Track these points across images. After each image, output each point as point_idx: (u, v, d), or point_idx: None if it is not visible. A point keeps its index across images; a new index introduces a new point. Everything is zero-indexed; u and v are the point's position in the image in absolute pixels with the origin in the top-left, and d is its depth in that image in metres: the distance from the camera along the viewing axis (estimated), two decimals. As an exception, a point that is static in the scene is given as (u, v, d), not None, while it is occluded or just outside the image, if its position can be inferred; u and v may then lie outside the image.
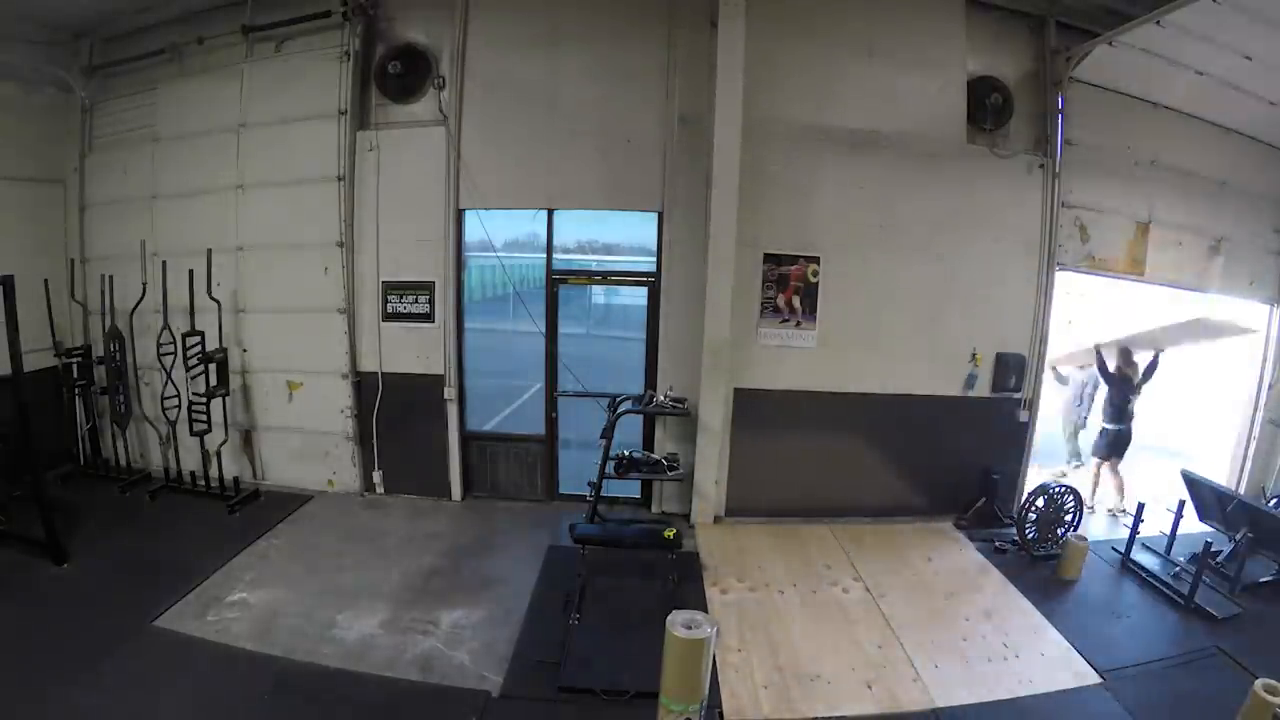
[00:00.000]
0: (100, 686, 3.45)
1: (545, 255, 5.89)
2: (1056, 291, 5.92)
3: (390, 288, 5.89)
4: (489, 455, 6.22)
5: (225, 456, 6.00)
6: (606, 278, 6.36)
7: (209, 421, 5.81)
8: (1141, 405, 6.41)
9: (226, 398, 5.92)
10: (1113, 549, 5.32)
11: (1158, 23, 4.74)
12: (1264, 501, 5.87)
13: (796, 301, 5.69)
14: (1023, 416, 6.03)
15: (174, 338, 5.78)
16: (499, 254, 6.08)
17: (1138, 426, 6.42)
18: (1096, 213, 5.97)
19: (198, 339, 5.76)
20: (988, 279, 5.81)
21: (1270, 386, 6.65)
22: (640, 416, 5.77)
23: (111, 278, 6.01)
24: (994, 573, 5.04)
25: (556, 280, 5.92)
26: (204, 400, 5.73)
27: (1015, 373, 5.91)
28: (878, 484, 5.96)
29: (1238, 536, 4.97)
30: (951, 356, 5.87)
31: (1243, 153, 6.24)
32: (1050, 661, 3.95)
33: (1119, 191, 5.99)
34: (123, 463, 6.29)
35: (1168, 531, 5.27)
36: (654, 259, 5.78)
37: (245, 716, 3.36)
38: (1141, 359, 6.44)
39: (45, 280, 6.00)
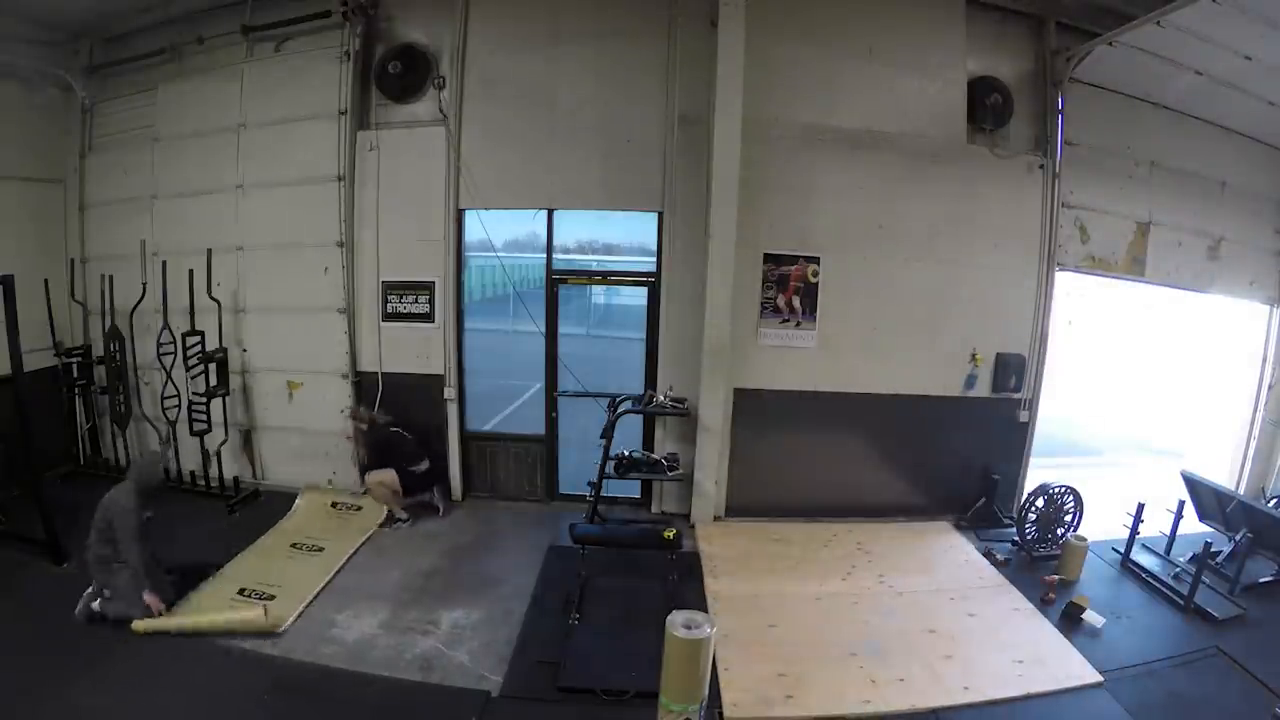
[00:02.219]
0: (100, 687, 3.45)
1: (545, 255, 5.89)
2: (1056, 291, 5.92)
3: (390, 288, 5.89)
4: (489, 455, 6.22)
5: (225, 456, 6.00)
6: (606, 278, 6.36)
7: (209, 421, 5.81)
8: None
9: (226, 398, 5.92)
10: (1113, 549, 5.32)
11: (1158, 23, 4.74)
12: (1264, 501, 5.87)
13: (796, 301, 5.69)
14: (1023, 416, 6.03)
15: (174, 338, 5.79)
16: (499, 254, 6.09)
17: None
18: (1096, 213, 5.97)
19: (198, 339, 5.76)
20: (988, 279, 5.81)
21: (1270, 386, 6.66)
22: (640, 416, 5.77)
23: (111, 278, 6.01)
24: (994, 572, 5.03)
25: (556, 280, 5.91)
26: (204, 400, 5.74)
27: (1015, 373, 5.91)
28: (878, 484, 5.96)
29: (1238, 537, 4.97)
30: (951, 357, 5.87)
31: (1243, 153, 6.25)
32: (1050, 661, 3.94)
33: (1119, 192, 6.00)
34: (123, 462, 6.28)
35: (1167, 532, 5.27)
36: (654, 259, 5.78)
37: (245, 716, 3.36)
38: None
39: (45, 280, 6.01)
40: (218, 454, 5.93)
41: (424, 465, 5.62)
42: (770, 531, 5.59)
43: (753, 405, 5.76)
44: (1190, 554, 4.97)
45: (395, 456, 5.55)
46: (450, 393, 5.95)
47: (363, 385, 6.03)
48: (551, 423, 6.11)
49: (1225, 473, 6.74)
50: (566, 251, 6.12)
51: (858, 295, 5.71)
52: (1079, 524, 5.43)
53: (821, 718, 3.48)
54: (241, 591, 4.44)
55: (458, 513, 5.93)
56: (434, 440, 5.95)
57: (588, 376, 5.99)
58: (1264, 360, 6.71)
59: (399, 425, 5.70)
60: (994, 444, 6.01)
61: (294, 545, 5.14)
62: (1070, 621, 4.37)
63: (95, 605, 3.93)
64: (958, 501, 5.95)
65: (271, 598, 4.35)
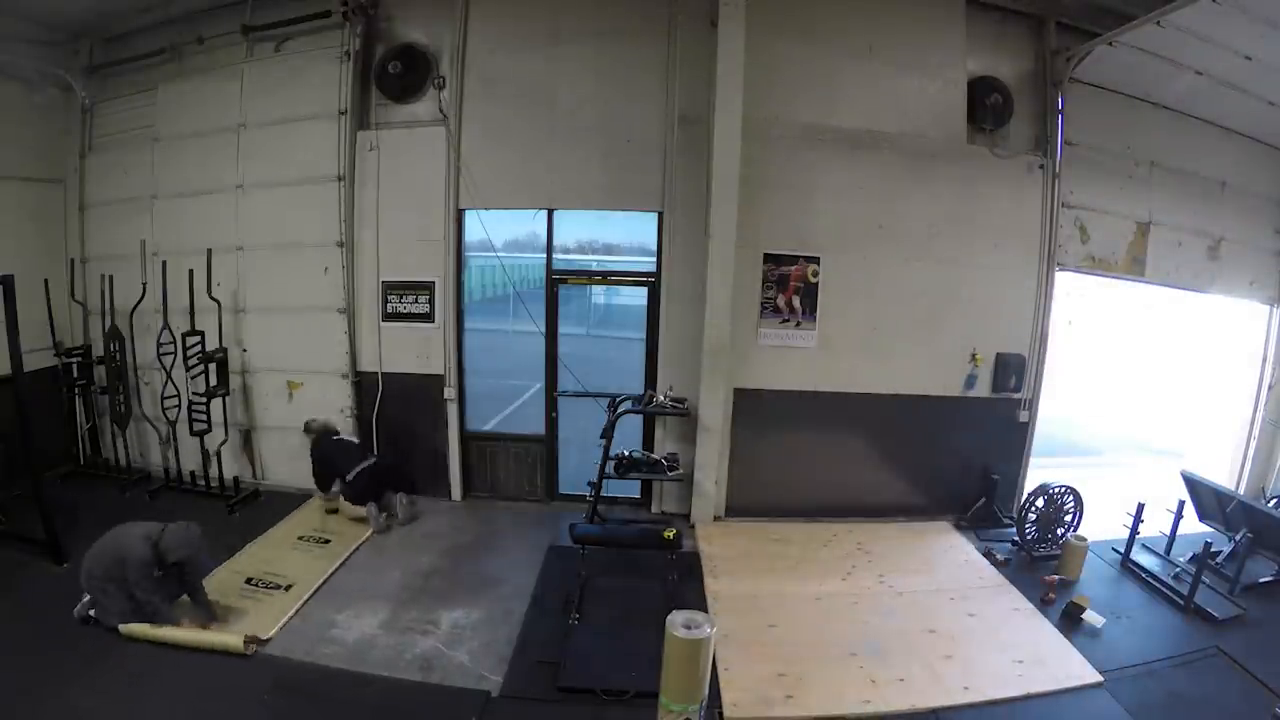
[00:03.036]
0: (99, 686, 3.45)
1: (545, 255, 5.89)
2: (1056, 291, 5.92)
3: (390, 288, 5.89)
4: (489, 455, 6.21)
5: (225, 456, 6.01)
6: (606, 278, 6.37)
7: (209, 421, 5.81)
8: None
9: (226, 398, 5.92)
10: (1113, 549, 5.32)
11: (1158, 23, 4.74)
12: (1264, 501, 5.87)
13: (796, 301, 5.69)
14: (1023, 416, 6.03)
15: (174, 337, 5.79)
16: (499, 254, 6.08)
17: None
18: (1096, 213, 5.97)
19: (198, 339, 5.76)
20: (988, 279, 5.81)
21: (1270, 386, 6.66)
22: (640, 416, 5.77)
23: (111, 278, 6.01)
24: (994, 572, 5.03)
25: (556, 280, 5.91)
26: (204, 400, 5.74)
27: (1015, 373, 5.91)
28: (878, 484, 5.96)
29: (1238, 537, 4.97)
30: (951, 356, 5.87)
31: (1243, 153, 6.25)
32: (1050, 661, 3.94)
33: (1119, 191, 6.00)
34: (123, 462, 6.29)
35: (1167, 532, 5.27)
36: (654, 259, 5.78)
37: (245, 716, 3.36)
38: None
39: (45, 280, 6.01)
40: (218, 454, 5.93)
41: (361, 467, 5.42)
42: (770, 531, 5.59)
43: (753, 405, 5.76)
44: (1190, 554, 4.97)
45: (333, 468, 5.51)
46: (450, 393, 5.95)
47: (363, 385, 6.03)
48: (551, 423, 6.10)
49: (1225, 473, 6.74)
50: (566, 251, 6.12)
51: (858, 295, 5.71)
52: (1079, 524, 5.43)
53: (821, 718, 3.48)
54: (249, 581, 4.48)
55: (458, 513, 5.93)
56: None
57: (588, 376, 5.99)
58: (1264, 360, 6.71)
59: (340, 432, 5.71)
60: (994, 444, 6.01)
61: (300, 538, 5.22)
62: (1070, 621, 4.38)
63: (92, 611, 3.92)
64: (958, 501, 5.95)
65: (278, 587, 4.46)
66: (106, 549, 3.89)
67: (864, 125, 5.53)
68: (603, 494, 5.47)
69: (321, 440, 5.60)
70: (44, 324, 6.03)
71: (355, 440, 5.68)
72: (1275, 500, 5.99)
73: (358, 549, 5.10)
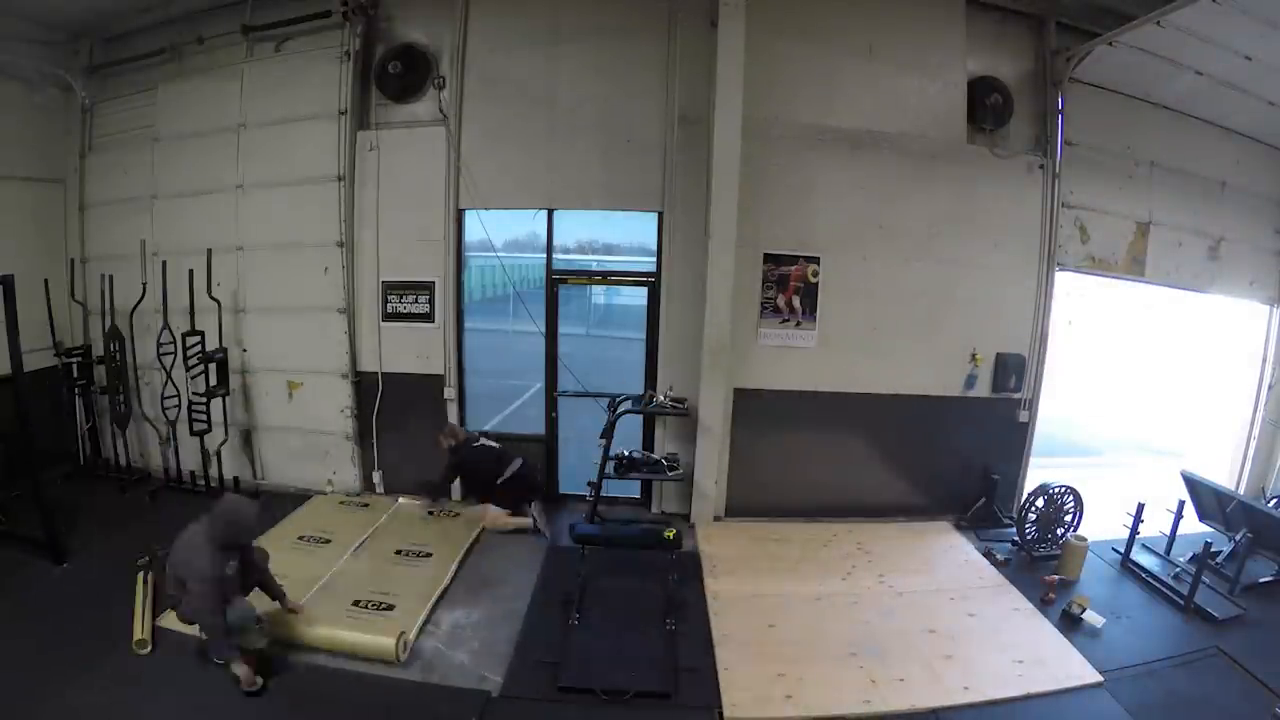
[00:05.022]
0: (99, 686, 3.45)
1: (545, 255, 5.89)
2: (1056, 291, 5.92)
3: (390, 288, 5.89)
4: (489, 455, 6.21)
5: (225, 456, 6.01)
6: (606, 278, 6.37)
7: (209, 421, 5.81)
8: None
9: (226, 397, 5.92)
10: (1113, 549, 5.32)
11: (1158, 23, 4.74)
12: (1264, 501, 5.87)
13: (796, 301, 5.69)
14: (1023, 416, 6.03)
15: (174, 337, 5.79)
16: (499, 254, 6.08)
17: None
18: (1096, 213, 5.97)
19: (198, 339, 5.76)
20: (988, 279, 5.81)
21: (1270, 386, 6.66)
22: (640, 416, 5.77)
23: (111, 278, 6.00)
24: (994, 572, 5.03)
25: (556, 280, 5.91)
26: (204, 400, 5.74)
27: (1015, 373, 5.91)
28: (877, 484, 5.96)
29: (1238, 537, 4.97)
30: (951, 356, 5.87)
31: (1243, 152, 6.25)
32: (1050, 661, 3.94)
33: (1119, 191, 6.00)
34: (122, 462, 6.29)
35: (1167, 532, 5.27)
36: (654, 259, 5.78)
37: (244, 716, 3.36)
38: None
39: (45, 280, 6.00)
40: (218, 454, 5.94)
41: (510, 471, 5.44)
42: (770, 531, 5.59)
43: (753, 405, 5.76)
44: (1190, 554, 4.97)
45: (481, 478, 5.51)
46: (450, 393, 5.95)
47: (363, 385, 6.03)
48: (551, 423, 6.10)
49: (1225, 473, 6.74)
50: (566, 251, 6.13)
51: (858, 295, 5.71)
52: (1079, 524, 5.43)
53: (821, 718, 3.48)
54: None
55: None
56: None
57: (588, 376, 5.98)
58: (1264, 360, 6.71)
59: (482, 436, 5.61)
60: (994, 444, 6.01)
61: (300, 538, 5.18)
62: (1070, 621, 4.38)
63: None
64: (958, 501, 5.95)
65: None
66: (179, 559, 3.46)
67: (864, 125, 5.53)
68: (603, 494, 5.46)
69: (463, 447, 5.48)
70: (44, 324, 6.02)
71: (496, 445, 5.57)
72: (1275, 500, 5.99)
73: (358, 549, 5.10)
